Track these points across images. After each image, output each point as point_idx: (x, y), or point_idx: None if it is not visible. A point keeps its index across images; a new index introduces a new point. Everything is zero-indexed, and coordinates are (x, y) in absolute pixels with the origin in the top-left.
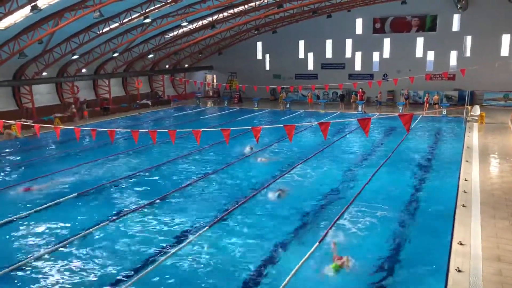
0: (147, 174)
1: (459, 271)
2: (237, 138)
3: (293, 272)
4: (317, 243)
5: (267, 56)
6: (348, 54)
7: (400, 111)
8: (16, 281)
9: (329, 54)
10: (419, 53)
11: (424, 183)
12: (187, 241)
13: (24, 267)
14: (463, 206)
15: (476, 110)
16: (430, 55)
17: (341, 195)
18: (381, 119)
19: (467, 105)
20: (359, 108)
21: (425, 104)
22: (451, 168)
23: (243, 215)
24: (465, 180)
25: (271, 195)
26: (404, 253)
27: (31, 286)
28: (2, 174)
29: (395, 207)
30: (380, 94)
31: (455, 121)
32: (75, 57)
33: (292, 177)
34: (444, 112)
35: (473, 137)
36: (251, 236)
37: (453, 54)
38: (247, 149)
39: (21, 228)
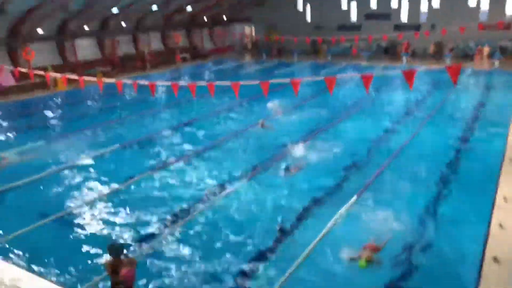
0: (187, 127)
1: (501, 226)
2: (276, 92)
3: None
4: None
5: (308, 6)
6: (394, 4)
7: (448, 62)
8: (64, 226)
9: (373, 4)
10: (472, 2)
11: (470, 138)
12: (224, 192)
13: (70, 214)
14: (511, 160)
15: None
16: (484, 4)
17: (382, 150)
18: (428, 72)
19: None
20: (404, 60)
21: (475, 56)
22: (500, 124)
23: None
24: None
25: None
26: (446, 208)
27: (77, 232)
28: (53, 124)
29: (439, 162)
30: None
31: (508, 75)
32: (115, 11)
33: (332, 131)
34: (496, 64)
35: None
36: (284, 188)
37: (510, 2)
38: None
39: (67, 177)
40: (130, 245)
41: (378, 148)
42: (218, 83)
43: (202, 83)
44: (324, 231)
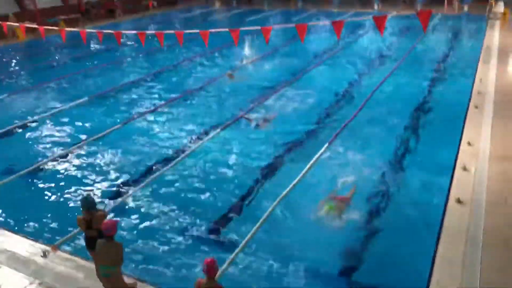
0: (154, 78)
1: (464, 169)
2: (246, 40)
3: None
4: (324, 148)
5: None
6: None
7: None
8: (35, 181)
9: None
10: None
11: (438, 85)
12: (198, 144)
13: (41, 168)
14: (476, 107)
15: (500, 7)
16: None
17: (351, 98)
18: (398, 18)
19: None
20: (375, 6)
21: (446, 0)
22: (467, 69)
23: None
24: (481, 81)
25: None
26: (413, 154)
27: (48, 186)
28: (14, 77)
29: (406, 110)
30: None
31: (477, 19)
32: None
33: (306, 78)
34: (466, 8)
35: (494, 36)
36: (262, 139)
37: None
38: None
39: (36, 131)
40: (103, 198)
41: (349, 95)
42: (186, 31)
43: (170, 31)
44: (294, 181)
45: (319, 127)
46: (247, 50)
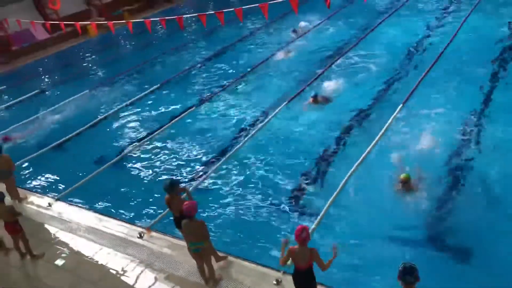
0: (220, 56)
1: None
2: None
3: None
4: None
5: None
6: None
7: None
8: (124, 168)
9: None
10: None
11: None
12: (270, 116)
13: (128, 156)
14: None
15: None
16: None
17: (423, 52)
18: None
19: None
20: None
21: None
22: None
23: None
24: None
25: None
26: (494, 109)
27: (136, 172)
28: (92, 72)
29: (485, 61)
30: None
31: None
32: None
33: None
34: None
35: None
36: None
37: None
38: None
39: (117, 122)
40: (183, 180)
41: (419, 51)
42: (245, 7)
43: (229, 9)
44: (369, 147)
45: (390, 88)
46: (309, 16)
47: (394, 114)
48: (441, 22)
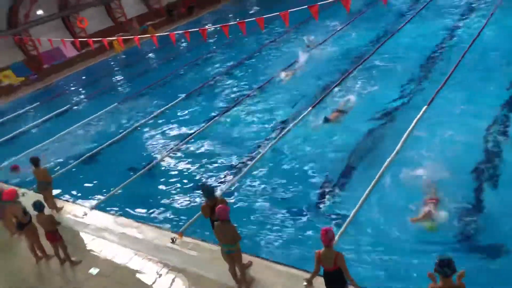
0: (242, 65)
1: None
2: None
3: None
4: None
5: None
6: None
7: None
8: (154, 177)
9: None
10: None
11: None
12: (295, 122)
13: (157, 165)
14: None
15: None
16: None
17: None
18: None
19: None
20: None
21: None
22: None
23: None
24: None
25: None
26: None
27: (166, 180)
28: (119, 86)
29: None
30: None
31: None
32: None
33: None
34: None
35: None
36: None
37: None
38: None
39: (145, 132)
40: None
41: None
42: (266, 16)
43: (251, 19)
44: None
45: (414, 90)
46: (327, 23)
47: (418, 116)
48: (465, 21)
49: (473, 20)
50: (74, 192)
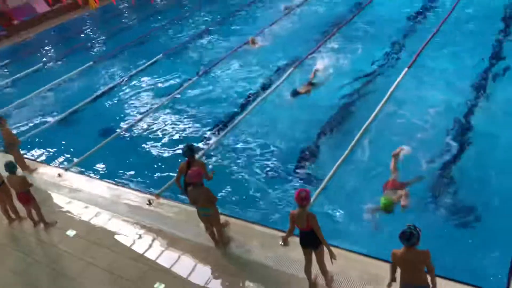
0: (219, 26)
1: None
2: None
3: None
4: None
5: None
6: None
7: None
8: (131, 138)
9: None
10: None
11: None
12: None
13: (134, 126)
14: None
15: None
16: None
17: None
18: None
19: None
20: None
21: None
22: None
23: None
24: None
25: None
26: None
27: (142, 141)
28: (94, 44)
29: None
30: None
31: None
32: None
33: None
34: None
35: None
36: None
37: None
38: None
39: (122, 92)
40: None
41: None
42: None
43: None
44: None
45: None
46: None
47: (399, 79)
48: None
49: None
50: (48, 154)
